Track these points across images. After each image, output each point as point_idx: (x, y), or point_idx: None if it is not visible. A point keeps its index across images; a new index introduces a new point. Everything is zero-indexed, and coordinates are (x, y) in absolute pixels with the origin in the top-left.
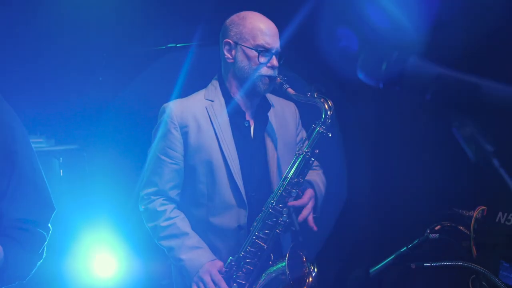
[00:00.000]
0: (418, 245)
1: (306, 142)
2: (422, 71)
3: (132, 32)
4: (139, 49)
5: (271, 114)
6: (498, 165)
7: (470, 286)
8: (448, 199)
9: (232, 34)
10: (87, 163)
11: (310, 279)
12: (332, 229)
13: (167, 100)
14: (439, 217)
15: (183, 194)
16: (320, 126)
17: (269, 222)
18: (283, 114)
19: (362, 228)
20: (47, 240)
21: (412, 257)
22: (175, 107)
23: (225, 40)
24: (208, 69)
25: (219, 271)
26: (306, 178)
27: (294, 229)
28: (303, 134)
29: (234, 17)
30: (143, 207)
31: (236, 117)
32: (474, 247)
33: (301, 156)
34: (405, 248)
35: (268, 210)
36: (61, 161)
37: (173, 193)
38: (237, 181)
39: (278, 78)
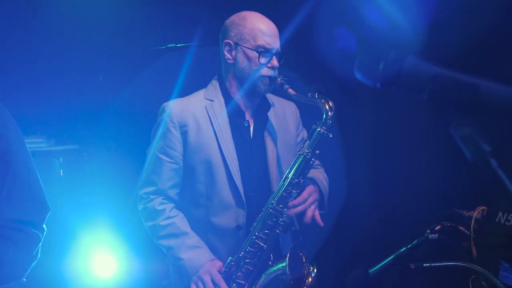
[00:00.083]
0: (418, 245)
1: (307, 142)
2: (419, 70)
3: (132, 32)
4: (139, 49)
5: (271, 113)
6: (496, 165)
7: (470, 287)
8: (448, 199)
9: (232, 34)
10: (87, 163)
11: (310, 279)
12: (331, 229)
13: (167, 100)
14: (439, 217)
15: (182, 193)
16: (321, 126)
17: (269, 222)
18: (284, 113)
19: (361, 228)
20: (42, 241)
21: (411, 258)
22: (174, 106)
23: (225, 40)
24: (208, 69)
25: (219, 271)
26: (310, 175)
27: (294, 229)
28: (304, 134)
29: (234, 18)
30: (142, 206)
31: (235, 117)
32: (474, 247)
33: (302, 156)
34: (404, 248)
35: (268, 210)
36: (61, 161)
37: (172, 193)
38: (236, 181)
39: (279, 79)
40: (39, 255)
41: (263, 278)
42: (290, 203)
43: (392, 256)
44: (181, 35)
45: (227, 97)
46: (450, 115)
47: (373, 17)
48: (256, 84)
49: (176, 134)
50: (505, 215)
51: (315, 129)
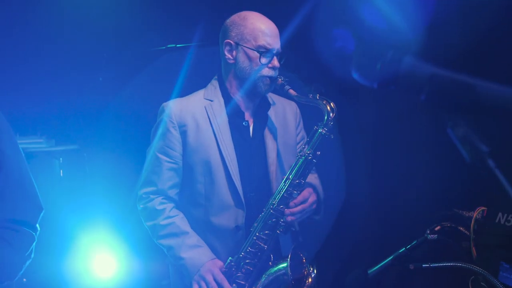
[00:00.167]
0: (417, 246)
1: (309, 143)
2: (416, 71)
3: (132, 32)
4: (139, 49)
5: (271, 113)
6: (493, 165)
7: (470, 287)
8: (447, 200)
9: (233, 34)
10: (87, 163)
11: (310, 280)
12: (331, 229)
13: (167, 100)
14: (439, 217)
15: (182, 193)
16: (322, 128)
17: (270, 223)
18: (284, 113)
19: (361, 228)
20: (36, 240)
21: (411, 258)
22: (174, 106)
23: (225, 40)
24: (208, 70)
25: (220, 270)
26: (308, 181)
27: (294, 229)
28: (303, 133)
29: (234, 17)
30: (141, 206)
31: (235, 117)
32: (474, 248)
33: (303, 157)
34: (404, 249)
35: (269, 211)
36: (61, 161)
37: (172, 193)
38: (235, 181)
39: (280, 79)
40: (32, 254)
41: (263, 279)
42: (291, 203)
43: (392, 257)
44: (181, 35)
45: (227, 97)
46: (448, 116)
47: (372, 18)
48: (256, 84)
49: (175, 134)
50: (505, 215)
51: (317, 130)
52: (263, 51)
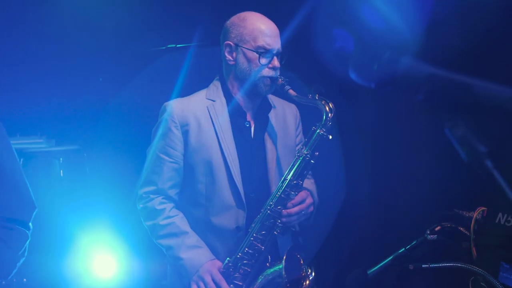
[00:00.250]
0: (416, 246)
1: (307, 144)
2: (414, 71)
3: (132, 33)
4: (139, 50)
5: (271, 115)
6: (491, 165)
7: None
8: (448, 200)
9: (233, 36)
10: (87, 163)
11: (307, 282)
12: (330, 230)
13: (167, 100)
14: (439, 218)
15: (182, 193)
16: (321, 128)
17: (267, 224)
18: (284, 115)
19: (361, 228)
20: (29, 239)
21: (410, 258)
22: (176, 106)
23: (225, 42)
24: (208, 70)
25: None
26: (304, 186)
27: (294, 229)
28: (302, 136)
29: (234, 19)
30: (141, 205)
31: (237, 118)
32: (474, 248)
33: (301, 158)
34: (403, 249)
35: (267, 211)
36: (61, 161)
37: (172, 192)
38: (236, 182)
39: (280, 79)
40: (26, 253)
41: (260, 280)
42: (289, 203)
43: (391, 257)
44: (181, 35)
45: (229, 97)
46: (446, 116)
47: (370, 18)
48: (257, 85)
49: (177, 133)
50: (505, 215)
51: (315, 130)
52: (262, 51)
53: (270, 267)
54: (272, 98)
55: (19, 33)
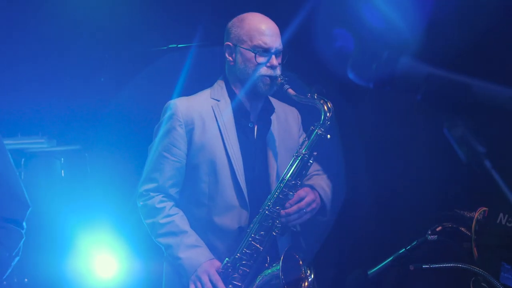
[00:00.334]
0: (417, 246)
1: (305, 143)
2: (412, 71)
3: (133, 33)
4: (141, 50)
5: (273, 118)
6: (490, 166)
7: None
8: (448, 200)
9: (232, 36)
10: (89, 163)
11: (306, 283)
12: (330, 230)
13: (168, 100)
14: (440, 218)
15: (183, 192)
16: (319, 128)
17: (266, 224)
18: (286, 118)
19: (361, 229)
20: (24, 238)
21: (411, 259)
22: (181, 104)
23: (226, 43)
24: (209, 70)
25: (216, 271)
26: (311, 182)
27: (294, 230)
28: (303, 137)
29: (234, 20)
30: (141, 203)
31: (240, 118)
32: (475, 248)
33: (299, 158)
34: (404, 249)
35: (265, 212)
36: (62, 161)
37: (173, 191)
38: (240, 181)
39: (279, 79)
40: (20, 252)
41: (258, 280)
42: (287, 203)
43: (392, 257)
44: (182, 35)
45: (233, 97)
46: (444, 116)
47: (370, 17)
48: (256, 84)
49: (181, 132)
50: (506, 216)
51: (313, 130)
52: (259, 50)
53: (268, 268)
54: (274, 102)
55: (20, 33)
